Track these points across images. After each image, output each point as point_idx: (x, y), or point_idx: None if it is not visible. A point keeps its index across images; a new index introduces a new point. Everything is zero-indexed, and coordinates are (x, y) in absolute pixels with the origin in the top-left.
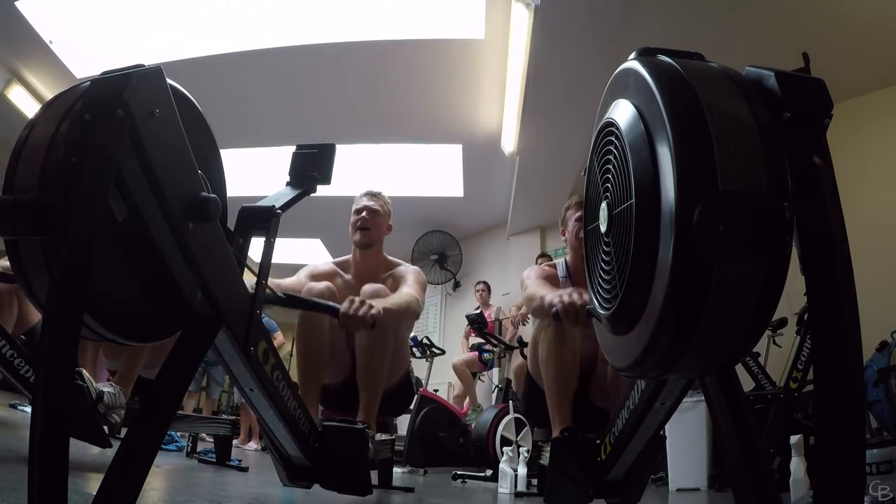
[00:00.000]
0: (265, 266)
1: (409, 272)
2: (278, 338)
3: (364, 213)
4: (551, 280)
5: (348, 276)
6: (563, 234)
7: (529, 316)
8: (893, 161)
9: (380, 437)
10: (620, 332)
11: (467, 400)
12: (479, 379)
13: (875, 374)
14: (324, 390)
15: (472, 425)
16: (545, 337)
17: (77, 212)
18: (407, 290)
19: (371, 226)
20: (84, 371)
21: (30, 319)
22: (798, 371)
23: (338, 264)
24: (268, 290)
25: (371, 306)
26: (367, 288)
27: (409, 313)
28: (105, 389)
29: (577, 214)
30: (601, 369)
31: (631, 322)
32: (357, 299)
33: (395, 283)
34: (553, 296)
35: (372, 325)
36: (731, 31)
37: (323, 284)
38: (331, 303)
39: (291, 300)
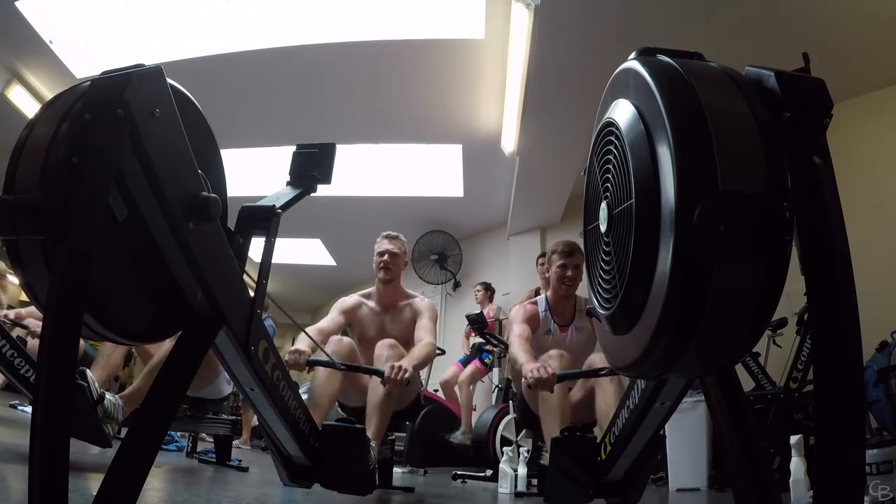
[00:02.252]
0: (265, 266)
1: (425, 309)
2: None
3: (386, 256)
4: (533, 320)
5: (373, 304)
6: (547, 272)
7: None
8: (893, 161)
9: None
10: (620, 331)
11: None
12: (480, 380)
13: (875, 374)
14: (346, 409)
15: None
16: (530, 393)
17: (77, 212)
18: (427, 340)
19: (392, 266)
20: (87, 371)
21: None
22: (798, 371)
23: (362, 295)
24: (321, 356)
25: (405, 370)
26: (384, 348)
27: (430, 359)
28: (108, 396)
29: (561, 262)
30: (581, 397)
31: (631, 322)
32: (396, 365)
33: (412, 313)
34: (528, 368)
35: (407, 383)
36: (731, 31)
37: (346, 341)
38: (377, 368)
39: (348, 367)
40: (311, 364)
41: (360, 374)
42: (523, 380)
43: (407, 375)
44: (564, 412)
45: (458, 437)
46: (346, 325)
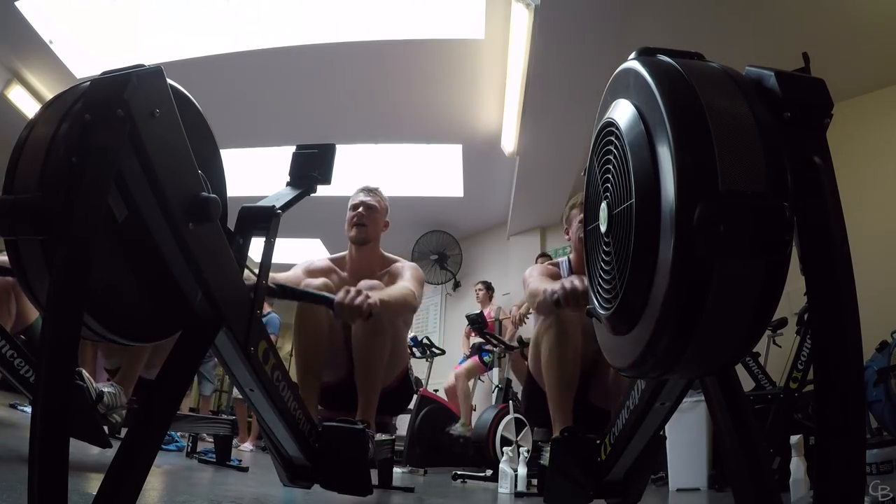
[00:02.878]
0: (265, 266)
1: (406, 268)
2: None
3: (360, 209)
4: (553, 278)
5: (344, 274)
6: (567, 234)
7: (529, 315)
8: (893, 161)
9: (380, 437)
10: (620, 332)
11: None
12: (479, 379)
13: (875, 374)
14: (322, 390)
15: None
16: (547, 337)
17: (77, 212)
18: (403, 284)
19: (367, 221)
20: (84, 371)
21: (27, 317)
22: (798, 371)
23: (334, 261)
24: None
25: (367, 296)
26: (363, 283)
27: (406, 306)
28: (105, 389)
29: (582, 216)
30: (602, 370)
31: (631, 322)
32: (353, 289)
33: (391, 280)
34: (555, 285)
35: (368, 315)
36: (731, 31)
37: (320, 281)
38: (326, 293)
39: (285, 291)
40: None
41: (338, 342)
42: (537, 328)
43: (369, 301)
44: (573, 385)
45: (457, 428)
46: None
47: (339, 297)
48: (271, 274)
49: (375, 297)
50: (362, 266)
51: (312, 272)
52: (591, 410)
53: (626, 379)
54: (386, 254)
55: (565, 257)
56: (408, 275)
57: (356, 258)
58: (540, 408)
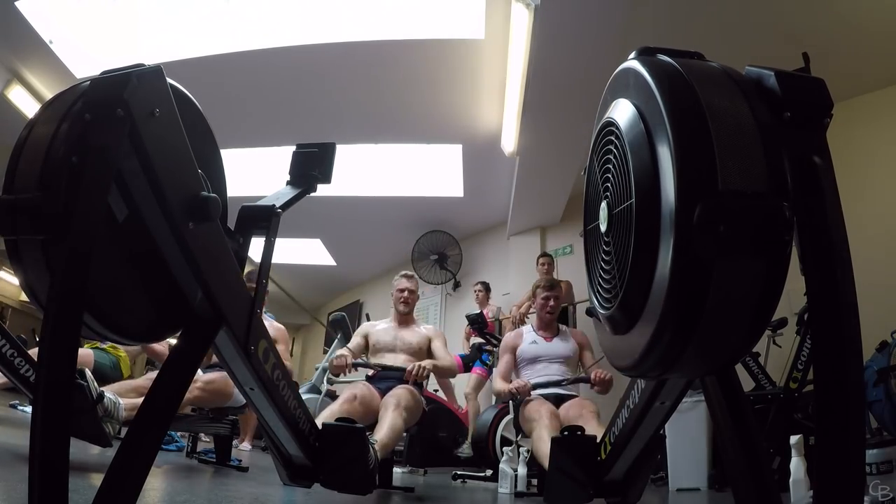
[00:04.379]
0: (265, 265)
1: (436, 333)
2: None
3: (406, 293)
4: (518, 337)
5: (390, 323)
6: (532, 304)
7: (530, 315)
8: (893, 161)
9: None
10: (620, 331)
11: (465, 404)
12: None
13: (875, 374)
14: None
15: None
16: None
17: (77, 212)
18: (451, 359)
19: (410, 301)
20: (87, 370)
21: None
22: (798, 371)
23: (381, 321)
24: (357, 347)
25: (424, 368)
26: (409, 337)
27: (450, 373)
28: (107, 395)
29: (545, 294)
30: (573, 415)
31: (631, 322)
32: (416, 364)
33: (423, 330)
34: (507, 386)
35: (427, 377)
36: (731, 31)
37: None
38: (399, 366)
39: (382, 367)
40: (356, 365)
41: (373, 401)
42: (521, 414)
43: (425, 372)
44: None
45: (465, 450)
46: (366, 343)
47: (408, 369)
48: (350, 346)
49: (428, 364)
50: (403, 322)
51: (364, 334)
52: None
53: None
54: (415, 316)
55: (530, 325)
56: (439, 341)
57: (400, 319)
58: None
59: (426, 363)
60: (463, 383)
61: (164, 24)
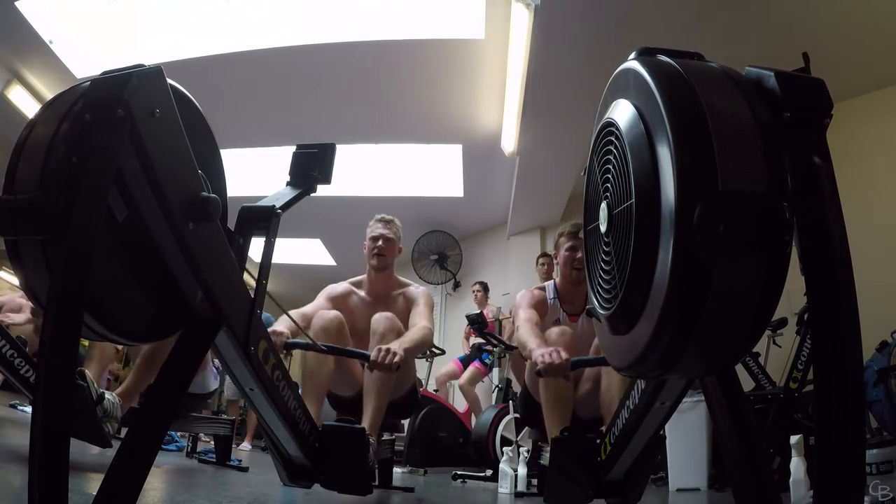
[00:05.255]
0: (265, 266)
1: (420, 295)
2: None
3: (380, 242)
4: (540, 305)
5: (363, 294)
6: (556, 259)
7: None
8: (893, 161)
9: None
10: (620, 331)
11: (465, 404)
12: (480, 380)
13: (875, 374)
14: (338, 401)
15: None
16: (538, 381)
17: (77, 212)
18: (423, 324)
19: (386, 252)
20: (86, 371)
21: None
22: (798, 371)
23: (352, 283)
24: (308, 340)
25: (395, 353)
26: (381, 320)
27: (425, 344)
28: (107, 395)
29: (569, 244)
30: (591, 388)
31: (631, 322)
32: (384, 348)
33: (405, 303)
34: (538, 353)
35: (396, 369)
36: (731, 31)
37: (332, 313)
38: (363, 351)
39: (331, 349)
40: (290, 347)
41: (352, 359)
42: (528, 365)
43: (397, 359)
44: (568, 403)
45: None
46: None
47: (373, 356)
48: (299, 310)
49: (400, 349)
50: (380, 288)
51: (334, 298)
52: (582, 423)
53: (614, 394)
54: (399, 277)
55: (552, 281)
56: (421, 304)
57: (374, 281)
58: (536, 417)
59: (395, 348)
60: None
61: (164, 24)
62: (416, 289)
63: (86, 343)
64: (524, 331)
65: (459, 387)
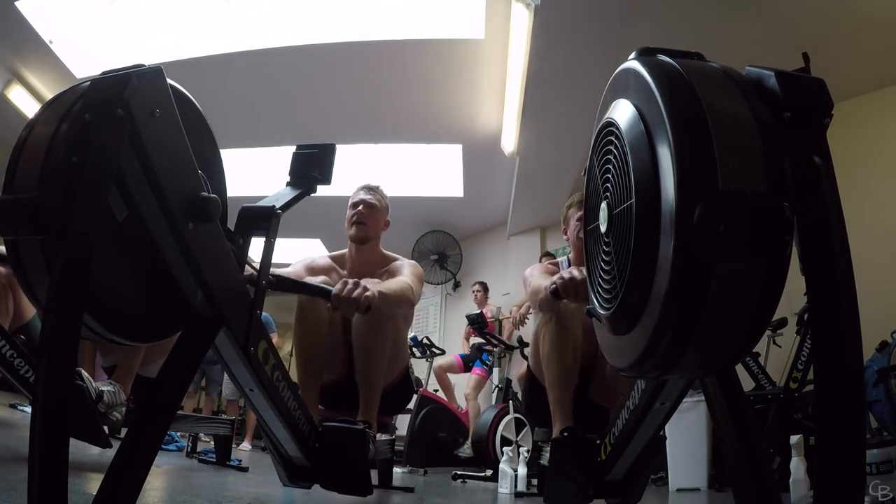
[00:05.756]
0: (265, 266)
1: (406, 265)
2: (273, 338)
3: (360, 207)
4: (553, 273)
5: (344, 272)
6: (565, 234)
7: (529, 316)
8: (893, 161)
9: (380, 437)
10: (620, 332)
11: (466, 404)
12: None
13: (875, 374)
14: (322, 389)
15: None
16: (546, 331)
17: (77, 212)
18: (402, 279)
19: (367, 220)
20: (83, 371)
21: (25, 315)
22: (798, 371)
23: (334, 259)
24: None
25: (366, 288)
26: (363, 280)
27: (405, 300)
28: (104, 388)
29: (579, 214)
30: (601, 367)
31: (631, 322)
32: (351, 281)
33: (391, 278)
34: (554, 277)
35: (366, 308)
36: (731, 31)
37: (320, 278)
38: (324, 285)
39: (282, 283)
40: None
41: (337, 339)
42: (533, 337)
43: (367, 294)
44: (575, 370)
45: (465, 451)
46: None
47: (336, 289)
48: (273, 270)
49: (374, 289)
50: (363, 264)
51: (313, 269)
52: (591, 408)
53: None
54: (386, 252)
55: (565, 257)
56: (407, 271)
57: (356, 257)
58: (540, 404)
59: (369, 286)
60: (463, 384)
61: (164, 24)
62: (403, 261)
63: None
64: (536, 278)
65: (465, 395)
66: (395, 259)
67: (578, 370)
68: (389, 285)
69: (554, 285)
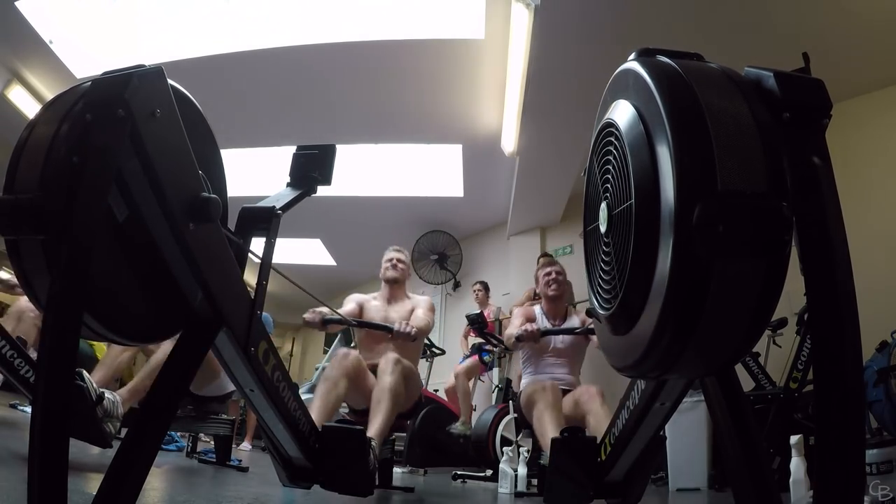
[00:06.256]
0: (265, 266)
1: (423, 301)
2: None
3: (394, 260)
4: (530, 318)
5: (379, 302)
6: (537, 287)
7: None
8: (893, 161)
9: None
10: (620, 332)
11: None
12: (480, 379)
13: (875, 374)
14: (352, 411)
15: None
16: (538, 404)
17: (77, 212)
18: (423, 316)
19: (399, 268)
20: (84, 372)
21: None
22: (798, 371)
23: (372, 295)
24: (336, 315)
25: (411, 326)
26: (396, 317)
27: (426, 331)
28: (107, 395)
29: (546, 269)
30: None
31: (631, 322)
32: (404, 322)
33: (412, 305)
34: (515, 330)
35: (413, 338)
36: (730, 32)
37: (353, 356)
38: (386, 324)
39: (359, 323)
40: (328, 322)
41: (365, 379)
42: (521, 394)
43: (413, 332)
44: (559, 421)
45: (457, 427)
46: (360, 312)
47: (395, 327)
48: (341, 310)
49: (414, 326)
50: (394, 297)
51: (358, 302)
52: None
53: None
54: (408, 293)
55: (538, 306)
56: (423, 306)
57: (388, 294)
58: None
59: (412, 323)
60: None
61: (164, 25)
62: (421, 296)
63: (103, 347)
64: (509, 330)
65: (455, 375)
66: (412, 297)
67: (561, 415)
68: (418, 324)
69: (516, 334)
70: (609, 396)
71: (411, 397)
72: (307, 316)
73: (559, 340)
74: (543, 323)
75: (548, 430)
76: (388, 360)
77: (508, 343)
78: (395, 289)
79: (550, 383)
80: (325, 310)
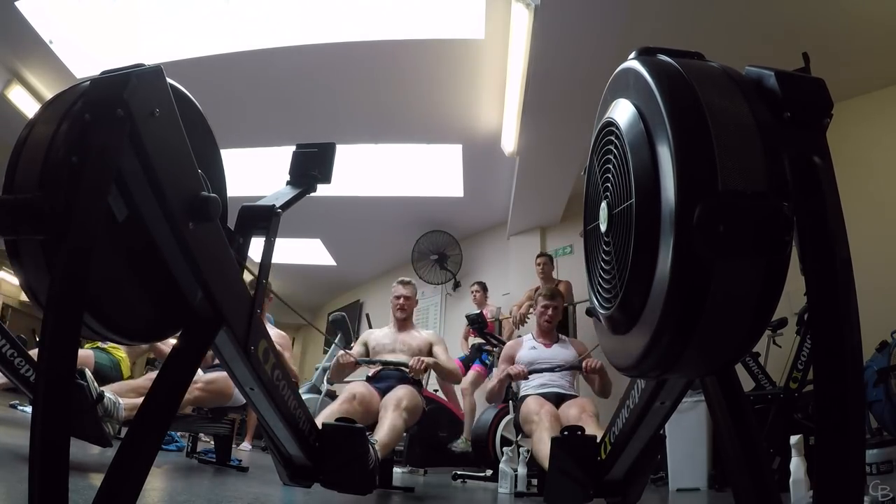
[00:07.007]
0: (265, 265)
1: (435, 337)
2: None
3: (401, 300)
4: (512, 355)
5: (389, 329)
6: (534, 310)
7: (530, 315)
8: (893, 161)
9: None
10: (620, 331)
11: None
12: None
13: (875, 374)
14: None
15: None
16: (536, 428)
17: (77, 212)
18: (454, 366)
19: (406, 307)
20: (86, 370)
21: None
22: (798, 371)
23: (381, 330)
24: (365, 358)
25: (424, 362)
26: (405, 340)
27: (452, 377)
28: (107, 395)
29: (544, 303)
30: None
31: (631, 322)
32: (418, 358)
33: (422, 335)
34: (507, 369)
35: (426, 371)
36: (731, 31)
37: (363, 387)
38: (401, 360)
39: (384, 363)
40: (360, 362)
41: (372, 401)
42: (503, 373)
43: (423, 366)
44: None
45: (459, 445)
46: (366, 351)
47: (410, 363)
48: (354, 353)
49: (429, 360)
50: (403, 330)
51: (369, 335)
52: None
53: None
54: (414, 323)
55: (529, 333)
56: (440, 348)
57: (399, 327)
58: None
59: (427, 358)
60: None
61: (164, 24)
62: (431, 333)
63: (122, 354)
64: (489, 383)
65: (462, 390)
66: (421, 329)
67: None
68: (445, 366)
69: (503, 373)
70: (609, 397)
71: (413, 418)
72: (341, 360)
73: (549, 359)
74: (532, 343)
75: (546, 452)
76: (392, 396)
77: (489, 397)
78: (403, 322)
79: (547, 408)
80: (356, 353)
